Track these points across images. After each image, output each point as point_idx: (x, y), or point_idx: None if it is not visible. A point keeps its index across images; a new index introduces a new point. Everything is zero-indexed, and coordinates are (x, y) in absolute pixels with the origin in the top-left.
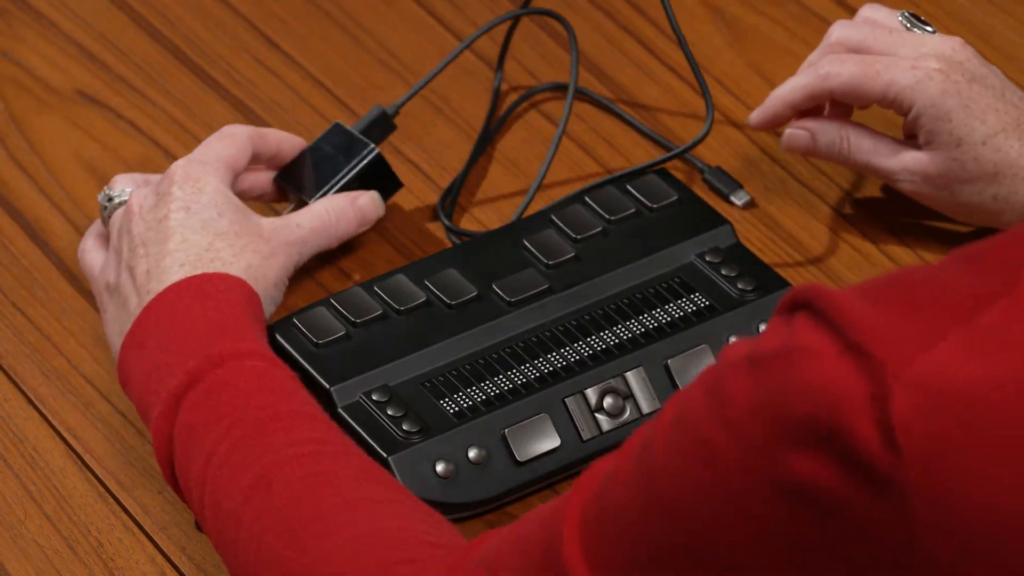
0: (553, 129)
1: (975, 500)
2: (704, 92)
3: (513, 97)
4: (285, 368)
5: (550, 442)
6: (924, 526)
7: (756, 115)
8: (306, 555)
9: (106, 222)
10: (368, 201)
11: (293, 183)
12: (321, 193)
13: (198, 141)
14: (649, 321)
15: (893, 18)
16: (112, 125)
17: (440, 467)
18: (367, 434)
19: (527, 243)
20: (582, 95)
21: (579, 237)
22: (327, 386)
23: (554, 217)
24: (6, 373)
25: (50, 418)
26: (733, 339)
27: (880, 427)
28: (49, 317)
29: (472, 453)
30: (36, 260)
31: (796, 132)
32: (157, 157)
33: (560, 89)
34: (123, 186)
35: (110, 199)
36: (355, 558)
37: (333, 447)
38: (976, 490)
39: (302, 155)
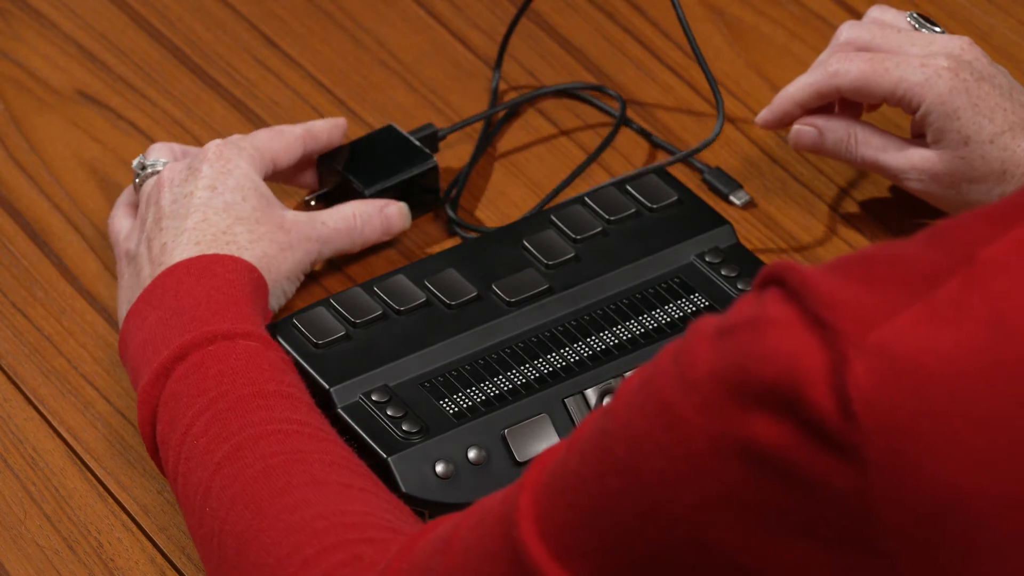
0: (553, 129)
1: (929, 470)
2: (717, 101)
3: (513, 97)
4: (279, 351)
5: (550, 442)
6: (880, 495)
7: (764, 114)
8: (267, 525)
9: (138, 189)
10: (396, 212)
11: (343, 168)
12: (376, 187)
13: (198, 141)
14: (649, 321)
15: (901, 18)
16: (112, 125)
17: (440, 467)
18: (367, 434)
19: (527, 243)
20: (582, 97)
21: (579, 237)
22: (327, 387)
23: (554, 217)
24: (6, 373)
25: (50, 418)
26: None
27: (837, 395)
28: (49, 317)
29: (472, 453)
30: (36, 260)
31: (804, 129)
32: None
33: (560, 93)
34: (158, 155)
35: (143, 167)
36: (316, 534)
37: (312, 430)
38: (930, 460)
39: (353, 144)
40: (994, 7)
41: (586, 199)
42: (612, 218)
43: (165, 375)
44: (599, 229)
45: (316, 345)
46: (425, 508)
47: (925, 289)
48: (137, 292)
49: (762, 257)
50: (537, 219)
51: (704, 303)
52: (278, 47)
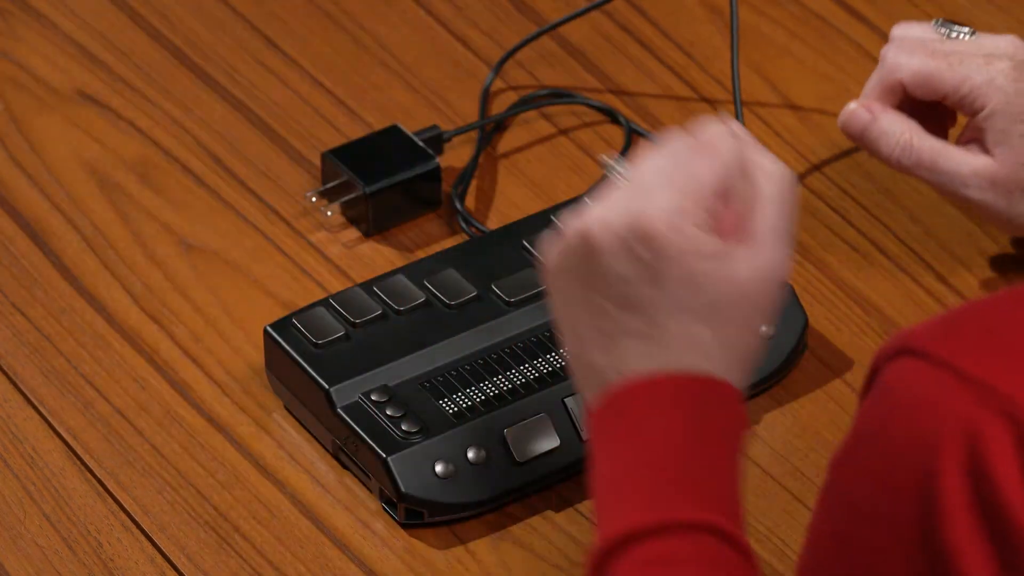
0: (553, 130)
1: None
2: None
3: (513, 97)
4: (745, 554)
5: (550, 442)
6: None
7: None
8: None
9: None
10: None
11: (346, 165)
12: (377, 185)
13: (198, 141)
14: None
15: (930, 29)
16: (112, 125)
17: (439, 467)
18: (366, 434)
19: (527, 243)
20: (582, 99)
21: None
22: (326, 387)
23: (554, 217)
24: (6, 373)
25: (50, 418)
26: None
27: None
28: (49, 317)
29: (471, 453)
30: (36, 260)
31: (857, 110)
32: (157, 157)
33: (559, 96)
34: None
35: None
36: None
37: None
38: None
39: (357, 143)
40: (994, 7)
41: (586, 199)
42: None
43: (620, 549)
44: None
45: (316, 345)
46: (424, 508)
47: None
48: (597, 372)
49: None
50: (537, 219)
51: None
52: (278, 47)
